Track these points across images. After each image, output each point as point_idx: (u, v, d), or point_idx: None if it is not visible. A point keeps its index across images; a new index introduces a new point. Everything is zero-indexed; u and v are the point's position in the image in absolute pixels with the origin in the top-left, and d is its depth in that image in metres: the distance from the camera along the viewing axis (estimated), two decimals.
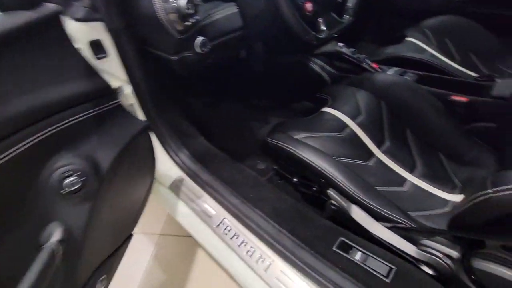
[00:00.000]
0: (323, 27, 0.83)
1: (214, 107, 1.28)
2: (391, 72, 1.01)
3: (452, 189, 0.72)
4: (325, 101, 0.91)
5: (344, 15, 0.97)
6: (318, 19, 0.83)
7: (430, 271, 0.53)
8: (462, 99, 0.82)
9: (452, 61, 1.14)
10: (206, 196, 0.72)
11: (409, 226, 0.57)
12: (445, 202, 0.69)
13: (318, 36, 0.81)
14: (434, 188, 0.73)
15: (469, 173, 0.74)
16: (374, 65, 1.05)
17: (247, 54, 1.14)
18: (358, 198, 0.61)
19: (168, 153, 0.80)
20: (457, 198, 0.69)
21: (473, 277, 0.49)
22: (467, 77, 1.00)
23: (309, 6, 0.79)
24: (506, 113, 0.73)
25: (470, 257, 0.48)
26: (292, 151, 0.71)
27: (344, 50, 1.08)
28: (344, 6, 0.97)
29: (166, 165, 0.80)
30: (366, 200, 0.61)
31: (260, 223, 0.63)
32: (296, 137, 0.77)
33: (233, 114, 1.27)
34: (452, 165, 0.78)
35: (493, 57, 1.16)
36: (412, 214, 0.64)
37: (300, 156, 0.69)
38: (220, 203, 0.69)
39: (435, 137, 0.81)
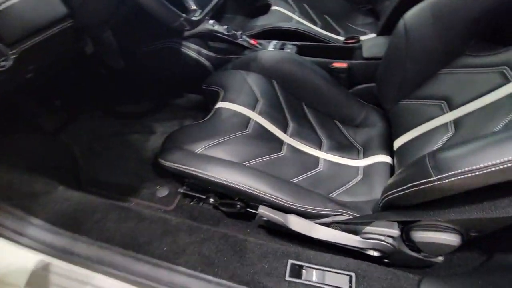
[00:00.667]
0: (194, 6, 0.65)
1: (64, 130, 0.92)
2: (272, 46, 0.95)
3: (357, 155, 0.74)
4: (216, 94, 0.78)
5: None
6: None
7: (376, 254, 0.53)
8: (342, 65, 0.85)
9: (315, 25, 1.19)
10: (97, 277, 0.49)
11: (347, 216, 0.54)
12: (356, 169, 0.71)
13: (192, 18, 0.63)
14: (344, 159, 0.73)
15: (365, 134, 0.78)
16: (253, 42, 0.96)
17: (95, 48, 0.83)
18: (290, 206, 0.54)
19: (4, 235, 0.49)
20: (364, 162, 0.72)
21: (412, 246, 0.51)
22: (335, 41, 1.05)
23: None
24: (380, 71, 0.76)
25: (408, 231, 0.49)
26: (195, 173, 0.56)
27: (217, 28, 0.94)
28: None
29: (8, 256, 0.50)
30: (299, 205, 0.54)
31: (190, 285, 0.47)
32: (197, 150, 0.62)
33: (99, 131, 0.96)
34: (349, 130, 0.81)
35: (341, 17, 1.28)
36: (335, 193, 0.63)
37: (208, 177, 0.55)
38: (124, 280, 0.48)
39: (328, 106, 0.82)
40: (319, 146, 0.75)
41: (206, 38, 0.99)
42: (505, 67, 0.53)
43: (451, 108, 0.59)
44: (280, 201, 0.53)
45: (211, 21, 0.93)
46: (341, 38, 1.09)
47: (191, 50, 0.96)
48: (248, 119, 0.71)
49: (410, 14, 0.62)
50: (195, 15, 0.64)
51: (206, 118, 0.70)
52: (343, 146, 0.76)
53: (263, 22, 1.12)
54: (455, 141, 0.53)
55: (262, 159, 0.65)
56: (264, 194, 0.54)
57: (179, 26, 0.58)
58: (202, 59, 0.97)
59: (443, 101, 0.61)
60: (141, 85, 1.03)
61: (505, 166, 0.31)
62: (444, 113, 0.59)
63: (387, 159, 0.69)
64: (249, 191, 0.54)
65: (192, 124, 0.70)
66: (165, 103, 1.06)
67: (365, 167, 0.70)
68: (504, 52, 0.55)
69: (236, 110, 0.71)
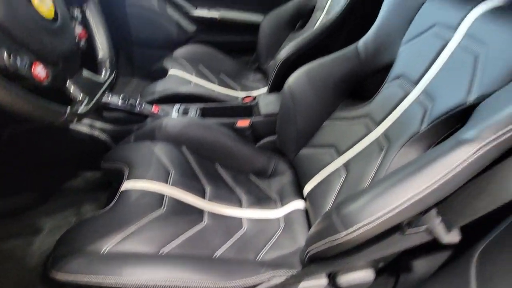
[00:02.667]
0: (80, 96, 0.55)
1: None
2: (175, 112, 0.95)
3: (275, 205, 0.78)
4: (119, 172, 0.70)
5: (103, 70, 0.69)
6: (68, 84, 0.54)
7: None
8: (245, 123, 0.92)
9: (213, 84, 1.27)
10: None
11: (280, 277, 0.55)
12: (277, 221, 0.74)
13: (79, 111, 0.53)
14: (265, 211, 0.75)
15: (278, 183, 0.84)
16: (154, 109, 0.94)
17: None
18: (223, 287, 0.51)
19: None
20: (282, 211, 0.76)
21: None
22: (234, 99, 1.14)
23: (40, 71, 0.46)
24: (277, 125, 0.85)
25: (334, 278, 0.53)
26: (105, 283, 0.46)
27: (112, 99, 0.88)
28: (96, 58, 0.70)
29: None
30: (231, 282, 0.51)
31: None
32: (103, 249, 0.52)
33: None
34: (263, 182, 0.85)
35: (235, 74, 1.42)
36: (264, 252, 0.63)
37: (122, 285, 0.46)
38: None
39: (240, 163, 0.85)
40: (239, 204, 0.75)
41: (101, 110, 0.91)
42: (367, 118, 0.68)
43: (339, 153, 0.70)
44: (211, 285, 0.50)
45: None
46: (239, 94, 1.19)
47: (83, 125, 0.86)
48: (161, 196, 0.65)
49: (292, 79, 0.73)
50: (82, 106, 0.54)
51: (111, 204, 0.61)
52: (261, 199, 0.78)
53: (162, 87, 1.12)
54: (349, 183, 0.63)
55: (183, 237, 0.60)
56: (192, 283, 0.49)
57: (63, 124, 0.49)
58: (96, 133, 0.88)
59: (332, 148, 0.72)
60: (14, 173, 0.83)
61: (393, 213, 0.38)
62: (335, 159, 0.70)
63: (301, 204, 0.75)
64: (174, 284, 0.48)
65: (92, 216, 0.59)
66: (53, 189, 0.89)
67: (284, 216, 0.74)
68: (365, 106, 0.70)
69: (145, 188, 0.65)
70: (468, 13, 0.51)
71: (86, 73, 0.57)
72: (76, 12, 0.54)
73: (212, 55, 1.40)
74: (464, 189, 0.39)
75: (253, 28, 1.41)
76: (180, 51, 1.35)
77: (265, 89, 1.23)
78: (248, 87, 1.34)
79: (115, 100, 0.88)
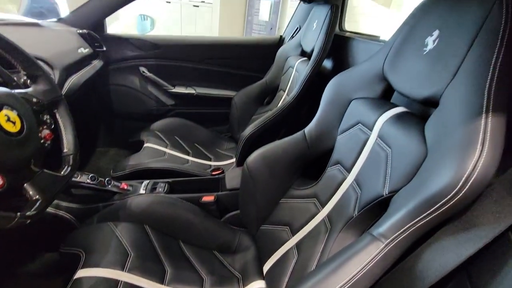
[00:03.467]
0: (35, 195, 0.53)
1: None
2: (143, 188, 0.99)
3: (238, 284, 0.77)
4: (76, 258, 0.69)
5: (65, 166, 0.68)
6: (24, 187, 0.53)
7: None
8: (210, 198, 0.96)
9: (188, 155, 1.34)
10: None
11: None
12: None
13: (31, 212, 0.50)
14: None
15: (242, 259, 0.84)
16: (123, 186, 0.97)
17: None
18: None
19: None
20: None
21: None
22: (204, 173, 1.19)
23: None
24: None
25: None
26: None
27: (80, 178, 0.92)
28: (60, 154, 0.69)
29: None
30: None
31: None
32: None
33: None
34: (227, 258, 0.84)
35: (210, 144, 1.50)
36: None
37: None
38: None
39: (204, 238, 0.86)
40: (201, 285, 0.74)
41: (68, 189, 0.94)
42: (314, 198, 0.73)
43: (293, 233, 0.73)
44: None
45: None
46: (211, 163, 1.26)
47: None
48: (115, 283, 0.65)
49: (250, 160, 0.79)
50: (35, 207, 0.51)
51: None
52: (224, 280, 0.78)
53: (135, 161, 1.17)
54: (299, 265, 0.66)
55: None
56: None
57: (12, 227, 0.46)
58: (61, 213, 0.89)
59: (287, 227, 0.75)
60: None
61: None
62: (289, 238, 0.73)
63: (262, 284, 0.75)
64: None
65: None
66: (5, 273, 0.85)
67: None
68: (313, 186, 0.76)
69: (100, 275, 0.65)
70: (379, 117, 0.59)
71: (46, 172, 0.57)
72: (46, 117, 0.61)
73: (188, 127, 1.50)
74: (386, 281, 0.43)
75: (227, 100, 1.55)
76: (157, 124, 1.45)
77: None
78: (221, 155, 1.41)
79: (84, 179, 0.92)
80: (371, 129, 0.61)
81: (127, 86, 1.51)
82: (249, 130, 1.05)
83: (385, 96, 0.67)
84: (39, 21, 1.17)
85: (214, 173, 1.11)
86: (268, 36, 1.51)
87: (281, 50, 1.37)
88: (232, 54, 1.55)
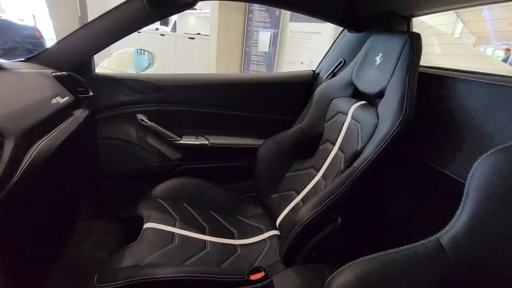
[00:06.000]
0: None
1: None
2: None
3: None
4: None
5: None
6: None
7: None
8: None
9: (204, 233, 0.97)
10: None
11: None
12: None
13: None
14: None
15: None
16: None
17: None
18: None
19: None
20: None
21: None
22: (237, 272, 0.82)
23: None
24: None
25: None
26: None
27: None
28: None
29: None
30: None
31: None
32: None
33: None
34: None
35: (230, 209, 1.14)
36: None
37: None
38: None
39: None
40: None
41: None
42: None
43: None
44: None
45: None
46: (237, 242, 0.97)
47: None
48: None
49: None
50: None
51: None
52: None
53: (131, 261, 0.79)
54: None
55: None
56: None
57: None
58: None
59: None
60: None
61: None
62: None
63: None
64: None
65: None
66: None
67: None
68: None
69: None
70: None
71: None
72: None
73: (200, 189, 1.14)
74: None
75: (250, 152, 1.22)
76: (160, 189, 1.08)
77: (270, 233, 1.02)
78: (246, 227, 1.05)
79: None
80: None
81: (120, 139, 1.17)
82: (306, 212, 0.71)
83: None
84: None
85: (253, 277, 0.74)
86: (300, 72, 1.20)
87: (321, 90, 1.07)
88: (255, 94, 1.24)
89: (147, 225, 0.92)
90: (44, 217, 0.99)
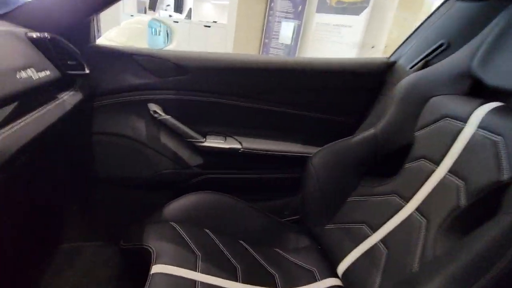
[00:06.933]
0: None
1: None
2: None
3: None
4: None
5: None
6: None
7: None
8: None
9: (235, 279, 0.67)
10: None
11: None
12: None
13: None
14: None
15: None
16: None
17: None
18: None
19: None
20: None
21: None
22: None
23: None
24: None
25: None
26: None
27: None
28: None
29: None
30: None
31: None
32: None
33: None
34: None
35: (265, 239, 0.84)
36: None
37: None
38: None
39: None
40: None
41: None
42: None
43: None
44: None
45: None
46: None
47: None
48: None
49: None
50: None
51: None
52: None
53: None
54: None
55: None
56: None
57: None
58: None
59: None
60: None
61: None
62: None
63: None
64: None
65: None
66: None
67: None
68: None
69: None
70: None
71: None
72: None
73: (228, 208, 0.84)
74: None
75: (296, 162, 0.92)
76: (174, 208, 0.79)
77: (328, 283, 0.71)
78: (290, 270, 0.74)
79: None
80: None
81: (123, 136, 0.87)
82: None
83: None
84: None
85: None
86: (368, 59, 0.87)
87: (408, 84, 0.75)
88: (308, 86, 0.93)
89: (156, 268, 0.62)
90: (8, 241, 0.70)
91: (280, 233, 0.87)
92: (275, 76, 0.90)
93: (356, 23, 3.25)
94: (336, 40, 3.49)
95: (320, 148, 0.81)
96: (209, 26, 4.34)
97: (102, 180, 0.89)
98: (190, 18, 5.21)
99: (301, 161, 0.88)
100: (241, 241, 0.79)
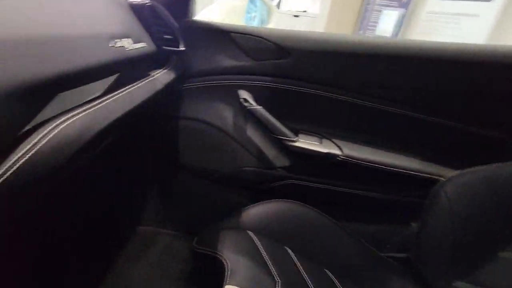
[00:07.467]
0: None
1: None
2: None
3: None
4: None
5: None
6: None
7: None
8: None
9: None
10: None
11: None
12: None
13: None
14: None
15: None
16: None
17: None
18: None
19: None
20: None
21: None
22: None
23: None
24: None
25: None
26: None
27: None
28: None
29: None
30: None
31: None
32: None
33: None
34: None
35: (361, 273, 0.65)
36: None
37: None
38: None
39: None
40: None
41: None
42: None
43: None
44: None
45: None
46: None
47: None
48: None
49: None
50: None
51: None
52: None
53: None
54: None
55: None
56: None
57: None
58: None
59: None
60: None
61: None
62: None
63: None
64: None
65: None
66: None
67: None
68: None
69: None
70: None
71: None
72: None
73: (313, 225, 0.68)
74: None
75: (414, 181, 0.69)
76: (254, 214, 0.67)
77: None
78: None
79: None
80: None
81: (207, 123, 0.79)
82: None
83: None
84: None
85: None
86: None
87: None
88: (463, 81, 0.67)
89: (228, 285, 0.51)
90: (88, 219, 0.69)
91: (377, 270, 0.67)
92: (412, 67, 0.67)
93: (485, 11, 2.59)
94: (453, 34, 2.86)
95: (458, 172, 0.58)
96: (298, 16, 4.15)
97: (182, 168, 0.84)
98: (279, 8, 5.11)
99: (422, 182, 0.65)
100: (326, 270, 0.63)
